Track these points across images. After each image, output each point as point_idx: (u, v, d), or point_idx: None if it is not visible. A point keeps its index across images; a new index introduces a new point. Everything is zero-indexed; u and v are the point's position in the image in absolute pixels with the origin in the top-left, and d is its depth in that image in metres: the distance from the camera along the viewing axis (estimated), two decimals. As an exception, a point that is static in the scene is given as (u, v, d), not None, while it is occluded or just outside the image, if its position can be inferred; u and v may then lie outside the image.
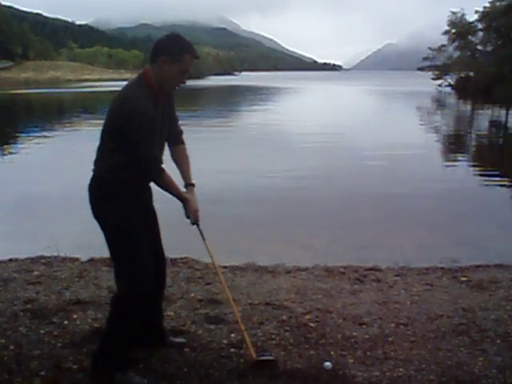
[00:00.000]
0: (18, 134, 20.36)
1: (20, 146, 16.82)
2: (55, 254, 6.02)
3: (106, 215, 3.15)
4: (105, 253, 6.12)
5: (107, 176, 3.13)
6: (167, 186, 3.18)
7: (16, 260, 5.88)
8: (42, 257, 5.98)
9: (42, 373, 3.30)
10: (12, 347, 3.65)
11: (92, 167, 3.20)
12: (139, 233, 3.17)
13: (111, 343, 3.18)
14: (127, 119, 2.96)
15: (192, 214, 3.35)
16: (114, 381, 3.15)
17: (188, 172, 3.43)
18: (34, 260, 5.86)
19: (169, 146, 3.41)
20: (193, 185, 3.40)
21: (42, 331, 3.91)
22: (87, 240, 6.93)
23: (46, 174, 12.07)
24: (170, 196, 3.27)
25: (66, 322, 4.08)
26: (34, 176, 11.76)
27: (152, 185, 3.33)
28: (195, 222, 3.38)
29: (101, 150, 3.18)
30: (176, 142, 3.43)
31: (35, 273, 5.39)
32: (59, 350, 3.62)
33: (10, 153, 15.48)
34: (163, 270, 3.53)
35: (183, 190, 3.34)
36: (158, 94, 3.10)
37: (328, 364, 3.44)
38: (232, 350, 3.66)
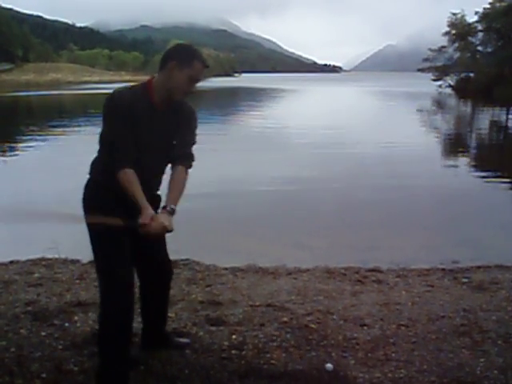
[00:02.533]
0: (17, 136, 20.34)
1: (20, 147, 16.82)
2: (56, 255, 6.02)
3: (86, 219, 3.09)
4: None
5: (93, 177, 3.14)
6: (124, 187, 2.93)
7: (17, 262, 5.87)
8: (43, 259, 5.97)
9: (43, 375, 3.30)
10: (13, 349, 3.64)
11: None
12: (116, 244, 3.03)
13: (105, 367, 3.08)
14: (104, 106, 2.96)
15: (151, 229, 2.91)
16: None
17: (172, 195, 3.05)
18: (35, 262, 5.86)
19: (171, 165, 3.20)
20: (169, 211, 2.98)
21: (42, 333, 3.91)
22: (88, 242, 6.93)
23: (45, 176, 12.05)
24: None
25: (66, 324, 4.07)
26: (33, 177, 11.76)
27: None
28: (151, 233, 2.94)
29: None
30: (176, 161, 3.15)
31: (36, 275, 5.38)
32: (60, 351, 3.62)
33: (10, 154, 15.48)
34: (165, 276, 3.48)
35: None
36: (156, 102, 3.04)
37: (329, 365, 3.44)
38: (233, 351, 3.65)
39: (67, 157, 14.76)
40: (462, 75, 58.65)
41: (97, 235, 3.08)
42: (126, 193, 2.94)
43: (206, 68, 3.13)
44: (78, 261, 5.90)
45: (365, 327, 4.10)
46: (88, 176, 3.18)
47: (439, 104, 43.39)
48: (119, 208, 3.04)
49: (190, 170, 3.21)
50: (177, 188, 3.07)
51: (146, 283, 3.47)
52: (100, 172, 3.11)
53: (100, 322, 3.10)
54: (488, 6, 54.78)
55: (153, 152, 3.09)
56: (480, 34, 57.85)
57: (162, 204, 3.08)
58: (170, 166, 3.23)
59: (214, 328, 4.04)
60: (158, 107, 3.06)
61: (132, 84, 3.14)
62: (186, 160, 3.18)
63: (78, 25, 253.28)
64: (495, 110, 35.01)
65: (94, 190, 3.13)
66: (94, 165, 3.16)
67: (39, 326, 4.03)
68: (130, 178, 2.93)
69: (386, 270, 5.77)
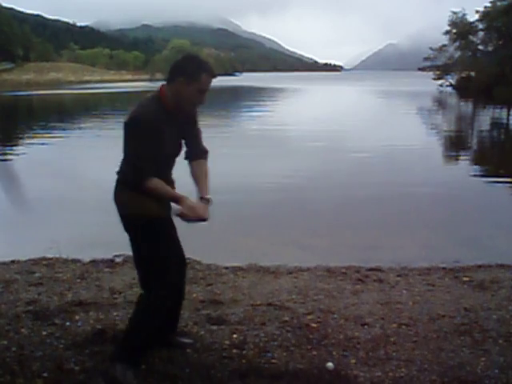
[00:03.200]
0: (18, 136, 20.36)
1: (20, 147, 16.83)
2: (57, 255, 6.02)
3: None
4: (106, 254, 6.15)
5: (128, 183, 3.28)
6: (155, 191, 3.12)
7: (18, 261, 5.88)
8: (44, 258, 5.98)
9: (45, 374, 3.31)
10: (14, 349, 3.65)
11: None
12: (172, 241, 3.37)
13: (133, 340, 3.29)
14: (130, 124, 3.05)
15: (190, 211, 3.12)
16: (115, 370, 3.21)
17: (203, 186, 3.29)
18: (36, 261, 5.87)
19: (188, 162, 3.39)
20: (207, 200, 3.24)
21: (44, 332, 3.92)
22: (89, 241, 6.94)
23: (46, 176, 12.06)
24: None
25: (67, 324, 4.08)
26: (34, 177, 11.77)
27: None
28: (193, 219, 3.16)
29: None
30: (195, 157, 3.39)
31: (37, 274, 5.39)
32: (61, 351, 3.62)
33: (10, 154, 15.48)
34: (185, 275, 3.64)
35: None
36: (171, 110, 3.16)
37: (330, 364, 3.44)
38: (234, 350, 3.65)
39: (67, 157, 14.81)
40: (463, 74, 58.59)
41: (154, 233, 3.20)
42: (158, 195, 3.14)
43: (214, 78, 3.20)
44: (78, 260, 5.91)
45: (365, 326, 4.11)
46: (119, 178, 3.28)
47: (440, 103, 43.36)
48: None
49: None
50: (206, 179, 3.33)
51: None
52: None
53: (149, 305, 3.27)
54: (489, 5, 54.78)
55: (171, 153, 3.28)
56: (481, 33, 57.85)
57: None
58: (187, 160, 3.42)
59: (214, 327, 4.04)
60: (171, 113, 3.18)
61: (145, 98, 3.20)
62: (206, 154, 3.43)
63: (79, 24, 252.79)
64: (496, 109, 34.98)
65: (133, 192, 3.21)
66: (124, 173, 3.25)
67: (40, 326, 4.03)
68: (157, 182, 3.11)
69: (387, 269, 5.77)
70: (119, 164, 3.26)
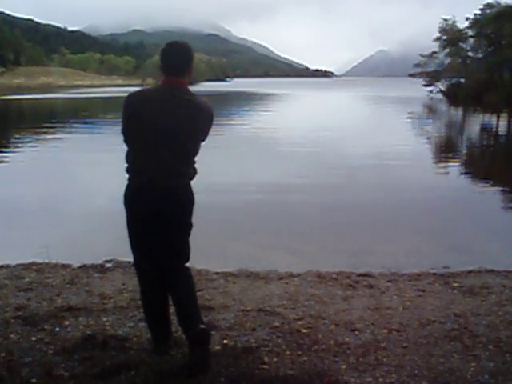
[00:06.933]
0: (7, 141, 20.24)
1: (9, 151, 16.73)
2: (46, 260, 5.99)
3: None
4: (96, 259, 6.12)
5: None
6: None
7: (7, 266, 5.84)
8: (34, 263, 5.94)
9: (34, 380, 3.28)
10: (3, 354, 3.62)
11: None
12: None
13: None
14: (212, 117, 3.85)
15: None
16: None
17: None
18: (26, 266, 5.83)
19: None
20: None
21: (33, 338, 3.89)
22: (79, 246, 6.92)
23: (36, 181, 12.01)
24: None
25: (57, 329, 4.05)
26: (24, 182, 11.71)
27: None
28: None
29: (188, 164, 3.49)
30: None
31: (26, 279, 5.36)
32: (50, 356, 3.60)
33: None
34: None
35: None
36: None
37: None
38: (225, 356, 3.64)
39: (58, 162, 14.74)
40: (453, 81, 58.91)
41: None
42: None
43: None
44: (68, 265, 5.88)
45: (356, 332, 4.11)
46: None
47: (430, 109, 43.54)
48: None
49: None
50: None
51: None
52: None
53: None
54: (479, 12, 55.15)
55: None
56: (471, 40, 58.13)
57: None
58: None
59: (205, 333, 4.02)
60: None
61: (191, 92, 3.55)
62: None
63: (70, 29, 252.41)
64: (485, 115, 35.21)
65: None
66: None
67: (29, 331, 4.01)
68: None
69: (378, 274, 5.78)
70: (178, 164, 3.38)
